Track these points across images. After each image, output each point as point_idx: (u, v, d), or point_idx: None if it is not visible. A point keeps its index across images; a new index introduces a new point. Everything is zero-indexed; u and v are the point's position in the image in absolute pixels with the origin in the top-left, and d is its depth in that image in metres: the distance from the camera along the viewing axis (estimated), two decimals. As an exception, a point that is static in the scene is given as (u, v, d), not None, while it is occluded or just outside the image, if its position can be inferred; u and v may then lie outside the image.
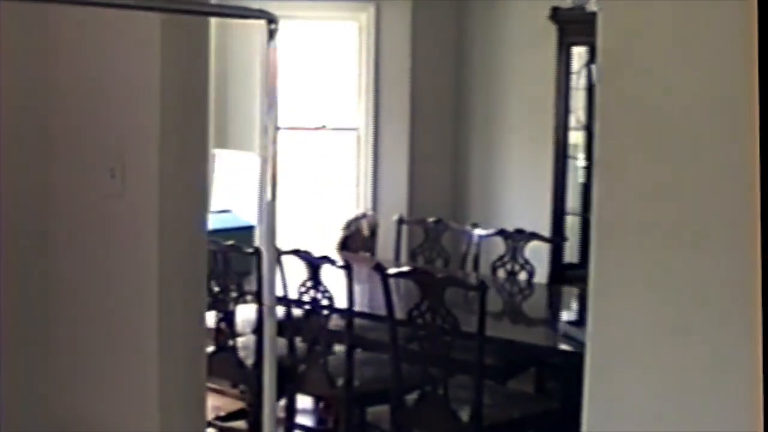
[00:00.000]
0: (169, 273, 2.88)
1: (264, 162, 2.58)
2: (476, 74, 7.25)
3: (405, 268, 4.82)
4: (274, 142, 2.56)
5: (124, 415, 2.98)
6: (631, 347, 2.25)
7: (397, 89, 7.10)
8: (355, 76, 7.13)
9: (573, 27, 6.34)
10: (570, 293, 5.86)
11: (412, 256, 6.38)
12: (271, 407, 2.67)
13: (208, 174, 3.06)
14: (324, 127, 7.07)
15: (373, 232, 6.70)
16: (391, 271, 4.57)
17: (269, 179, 2.59)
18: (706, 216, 2.12)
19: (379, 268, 4.59)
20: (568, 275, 6.32)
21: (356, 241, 6.62)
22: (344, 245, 6.59)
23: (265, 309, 2.86)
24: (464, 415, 4.39)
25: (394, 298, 4.56)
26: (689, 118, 2.13)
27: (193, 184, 2.91)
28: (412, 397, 4.57)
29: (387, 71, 7.08)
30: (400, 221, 6.46)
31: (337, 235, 6.64)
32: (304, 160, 7.07)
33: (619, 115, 2.24)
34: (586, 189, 6.71)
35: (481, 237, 6.17)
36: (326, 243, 6.55)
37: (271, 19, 2.39)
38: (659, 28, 2.16)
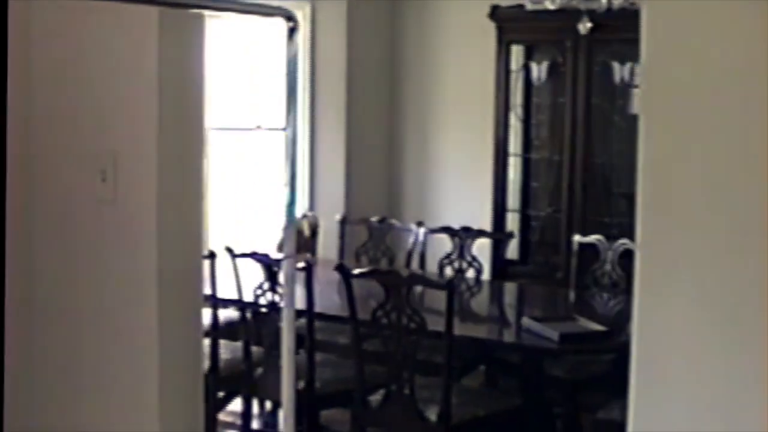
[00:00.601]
0: (167, 280, 2.82)
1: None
2: (413, 72, 7.25)
3: (368, 268, 4.79)
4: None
5: (122, 426, 2.90)
6: (675, 346, 2.27)
7: (333, 88, 7.06)
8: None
9: (512, 25, 6.39)
10: (525, 290, 5.90)
11: (356, 256, 6.35)
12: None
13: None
14: (259, 127, 7.00)
15: (314, 232, 6.66)
16: (355, 271, 4.54)
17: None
18: (746, 220, 2.16)
19: (342, 269, 4.56)
20: (509, 272, 6.36)
21: (297, 242, 6.55)
22: (283, 246, 6.51)
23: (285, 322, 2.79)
24: (432, 414, 4.38)
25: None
26: (729, 120, 2.17)
27: (189, 187, 2.85)
28: (375, 398, 4.55)
29: (322, 70, 7.04)
30: (343, 221, 6.43)
31: (277, 236, 6.58)
32: (240, 161, 6.98)
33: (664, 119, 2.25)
34: (525, 185, 6.77)
35: (426, 235, 6.18)
36: (265, 245, 6.48)
37: (290, 17, 2.34)
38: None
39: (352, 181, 7.12)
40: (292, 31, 2.34)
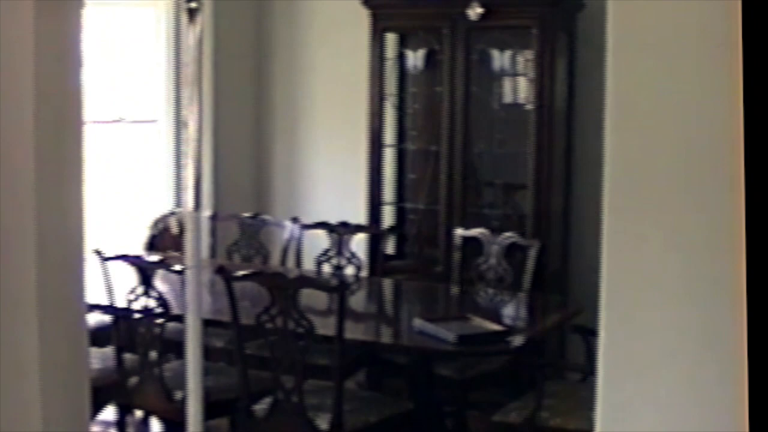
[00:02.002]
0: (47, 288, 2.52)
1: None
2: (282, 62, 6.97)
3: (251, 270, 4.51)
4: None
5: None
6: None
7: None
8: (155, 67, 6.71)
9: (387, 12, 6.18)
10: (408, 287, 5.70)
11: (228, 254, 6.07)
12: None
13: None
14: (121, 119, 6.62)
15: (182, 230, 6.32)
16: (238, 273, 4.27)
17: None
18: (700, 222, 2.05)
19: (223, 271, 4.29)
20: (387, 267, 6.15)
21: (165, 240, 6.24)
22: (152, 245, 6.20)
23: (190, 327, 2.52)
24: (322, 422, 4.15)
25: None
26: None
27: (70, 190, 2.55)
28: (261, 407, 4.30)
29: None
30: (214, 217, 6.13)
31: (144, 234, 6.25)
32: (105, 155, 6.59)
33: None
34: (402, 177, 6.58)
35: (301, 231, 5.93)
36: (132, 243, 6.15)
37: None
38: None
39: (220, 176, 6.80)
40: (192, 13, 2.08)
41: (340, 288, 4.11)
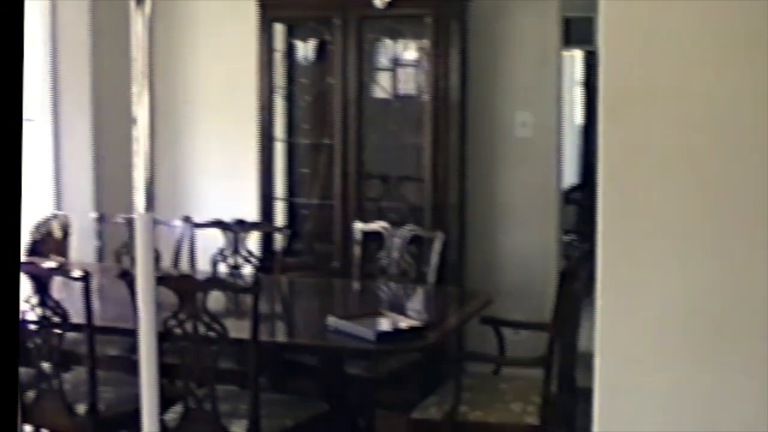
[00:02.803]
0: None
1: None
2: (165, 55, 6.71)
3: (158, 274, 4.28)
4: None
5: None
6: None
7: (77, 77, 6.42)
8: (28, 63, 6.38)
9: (274, 3, 6.00)
10: (307, 283, 5.55)
11: (117, 257, 5.81)
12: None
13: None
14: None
15: (66, 233, 6.05)
16: (144, 278, 4.05)
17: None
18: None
19: (126, 276, 4.07)
20: (282, 264, 5.98)
21: (48, 244, 5.94)
22: (33, 250, 5.90)
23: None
24: (237, 429, 3.99)
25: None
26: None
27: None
28: (171, 416, 4.10)
29: (66, 54, 6.39)
30: (100, 218, 5.87)
31: (25, 239, 5.95)
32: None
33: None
34: (294, 172, 6.43)
35: (193, 230, 5.72)
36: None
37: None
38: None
39: (102, 176, 6.53)
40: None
41: (254, 289, 3.93)
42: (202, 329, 3.91)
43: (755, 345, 2.05)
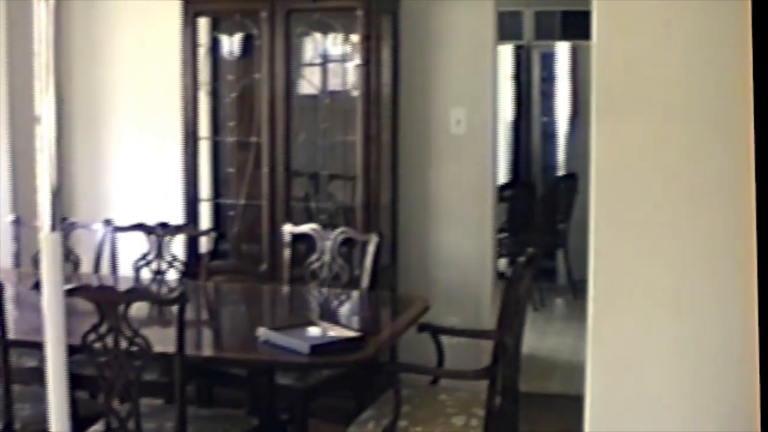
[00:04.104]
0: None
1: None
2: (81, 53, 6.40)
3: (76, 284, 4.02)
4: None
5: None
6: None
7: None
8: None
9: (198, -4, 5.75)
10: (234, 289, 5.32)
11: (35, 262, 5.52)
12: None
13: None
14: None
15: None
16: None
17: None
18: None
19: (40, 288, 3.80)
20: (207, 268, 5.72)
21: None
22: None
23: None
24: (163, 448, 3.76)
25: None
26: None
27: None
28: (92, 435, 3.86)
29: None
30: (16, 222, 5.57)
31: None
32: None
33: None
34: (219, 172, 6.19)
35: (114, 233, 5.45)
36: None
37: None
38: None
39: (17, 179, 6.22)
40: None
41: (179, 300, 3.69)
42: (124, 344, 3.68)
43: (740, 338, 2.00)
